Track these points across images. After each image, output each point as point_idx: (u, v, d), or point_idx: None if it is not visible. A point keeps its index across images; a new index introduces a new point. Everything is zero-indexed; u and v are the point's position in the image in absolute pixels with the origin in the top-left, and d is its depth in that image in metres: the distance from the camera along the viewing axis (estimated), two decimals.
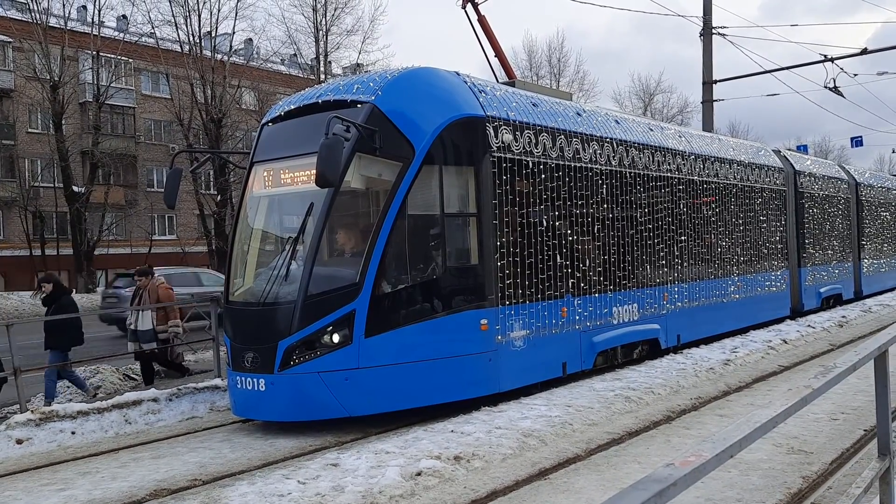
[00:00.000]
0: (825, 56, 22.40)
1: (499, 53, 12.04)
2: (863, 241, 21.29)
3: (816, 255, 18.16)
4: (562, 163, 10.45)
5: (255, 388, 8.36)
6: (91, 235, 39.22)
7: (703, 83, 23.23)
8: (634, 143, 11.99)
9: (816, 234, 18.30)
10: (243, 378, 8.49)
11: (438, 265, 8.92)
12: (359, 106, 8.79)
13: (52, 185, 40.25)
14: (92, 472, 7.35)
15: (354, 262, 8.60)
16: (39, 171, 41.92)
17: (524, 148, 9.82)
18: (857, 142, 40.87)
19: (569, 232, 10.51)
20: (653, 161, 12.36)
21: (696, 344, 13.15)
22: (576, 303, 10.59)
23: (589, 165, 10.96)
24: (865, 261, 21.40)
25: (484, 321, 9.15)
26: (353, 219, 9.04)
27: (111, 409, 9.15)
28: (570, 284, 10.48)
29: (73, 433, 8.61)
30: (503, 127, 9.53)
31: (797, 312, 17.04)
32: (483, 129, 9.27)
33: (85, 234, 38.55)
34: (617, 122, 12.01)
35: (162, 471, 7.30)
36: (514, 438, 7.42)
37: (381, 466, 6.46)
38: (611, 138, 11.48)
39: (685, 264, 13.06)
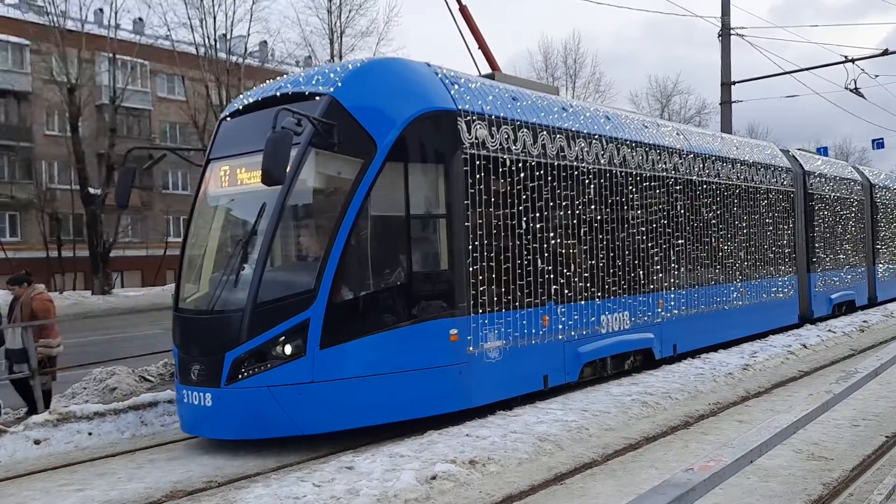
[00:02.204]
0: (846, 57, 21.75)
1: (482, 45, 11.23)
2: (878, 245, 20.13)
3: (827, 259, 17.09)
4: (544, 161, 9.61)
5: (202, 403, 7.62)
6: (107, 237, 38.83)
7: (722, 84, 22.66)
8: (626, 140, 11.11)
9: (827, 238, 17.23)
10: (190, 392, 7.75)
11: (403, 271, 8.13)
12: (317, 98, 8.05)
13: (68, 188, 39.97)
14: (108, 473, 7.23)
15: (309, 267, 7.86)
16: (56, 174, 41.71)
17: (501, 144, 9.01)
18: (878, 144, 39.78)
19: (552, 235, 9.67)
20: (647, 160, 11.47)
21: (693, 354, 12.24)
22: (559, 311, 9.74)
23: (575, 164, 10.11)
24: (881, 266, 20.23)
25: (454, 331, 8.34)
26: (308, 220, 8.27)
27: (127, 410, 9.02)
28: (552, 291, 9.64)
29: (89, 434, 8.47)
30: (477, 122, 8.73)
31: (806, 320, 16.01)
32: (454, 124, 8.46)
33: (101, 235, 38.13)
34: (607, 118, 11.14)
35: (178, 472, 7.17)
36: (530, 443, 7.25)
37: (396, 470, 6.34)
38: (600, 135, 10.61)
39: (682, 269, 12.14)
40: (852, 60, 21.50)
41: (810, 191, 16.48)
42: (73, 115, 37.15)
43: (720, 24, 22.41)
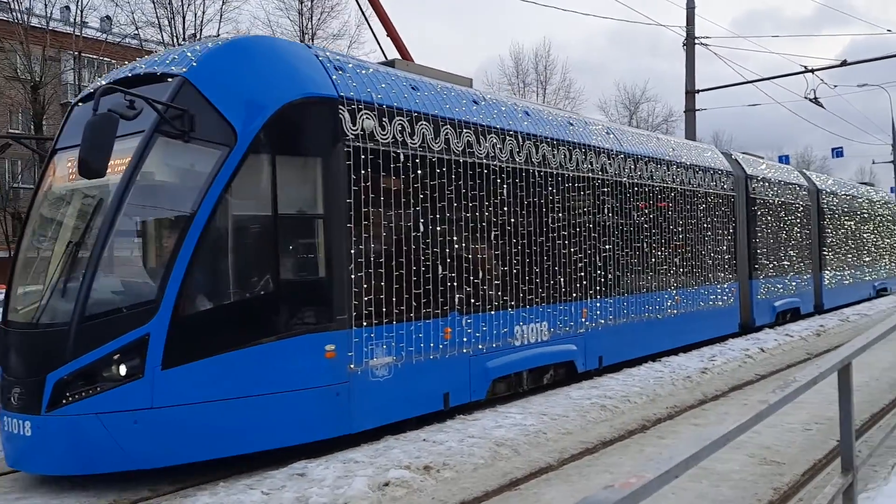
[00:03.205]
0: (805, 67, 21.39)
1: (391, 32, 9.91)
2: (824, 251, 18.98)
3: (771, 266, 15.88)
4: (448, 157, 8.31)
5: (21, 433, 6.22)
6: None
7: (686, 93, 22.23)
8: (547, 137, 9.83)
9: (771, 244, 16.01)
10: (10, 419, 6.35)
11: (269, 278, 6.80)
12: (169, 80, 6.70)
13: (31, 187, 38.18)
14: (52, 482, 6.55)
15: (152, 274, 6.55)
16: (20, 172, 39.89)
17: (395, 137, 7.70)
18: (837, 153, 39.87)
19: (455, 238, 8.37)
20: (570, 159, 10.19)
21: (622, 367, 11.02)
22: (464, 322, 8.44)
23: (485, 161, 8.82)
24: (827, 272, 19.06)
25: (330, 347, 7.02)
26: (153, 219, 6.89)
27: None
28: (456, 300, 8.33)
29: None
30: (365, 111, 7.40)
31: (748, 329, 14.80)
32: (334, 113, 7.14)
33: None
34: (527, 113, 9.85)
35: (124, 480, 6.40)
36: (487, 448, 6.95)
37: (349, 476, 6.02)
38: (515, 131, 9.33)
39: (610, 277, 10.88)
40: (812, 71, 21.11)
41: (753, 195, 15.26)
42: (37, 114, 35.35)
43: (685, 34, 22.18)
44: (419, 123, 8.00)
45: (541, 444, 7.30)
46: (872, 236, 22.81)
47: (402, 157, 7.76)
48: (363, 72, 7.74)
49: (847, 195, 21.18)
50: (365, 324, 7.30)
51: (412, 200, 7.87)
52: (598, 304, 10.58)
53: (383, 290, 7.50)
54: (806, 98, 21.61)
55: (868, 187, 25.19)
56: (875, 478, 5.85)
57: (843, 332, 15.40)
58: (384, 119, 7.61)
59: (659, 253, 12.03)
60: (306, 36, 40.56)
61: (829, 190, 19.75)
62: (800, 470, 6.45)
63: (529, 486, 6.22)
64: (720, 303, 13.75)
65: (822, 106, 22.05)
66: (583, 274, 10.30)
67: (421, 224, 7.95)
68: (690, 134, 21.65)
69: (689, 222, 12.91)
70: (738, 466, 6.44)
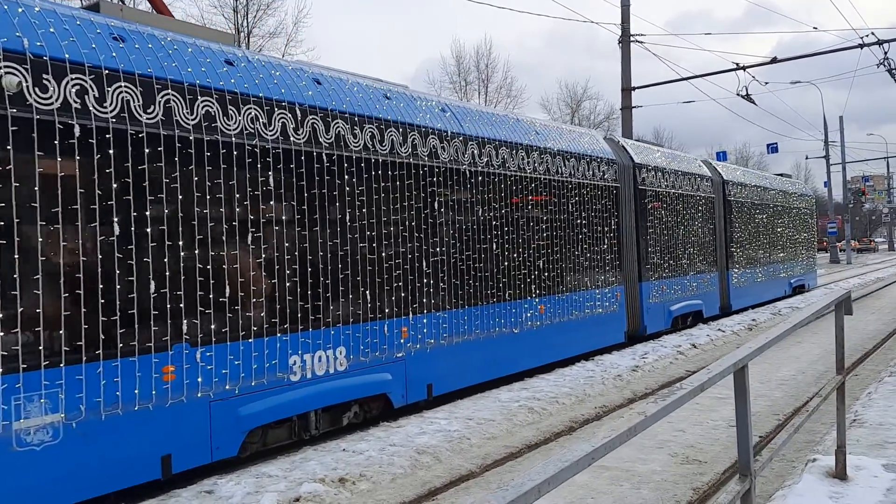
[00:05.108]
0: (737, 64, 20.64)
1: None
2: (732, 247, 16.80)
3: (666, 266, 13.62)
4: (170, 132, 5.84)
5: None
6: None
7: (622, 90, 21.24)
8: (346, 113, 7.39)
9: (667, 241, 13.73)
10: None
11: None
12: None
13: None
14: None
15: None
16: None
17: (68, 102, 5.21)
18: (772, 148, 39.11)
19: (183, 244, 5.90)
20: (383, 141, 7.77)
21: (462, 394, 8.69)
22: (199, 356, 5.98)
23: (241, 140, 6.36)
24: (735, 270, 16.88)
25: None
26: None
27: None
28: (185, 327, 5.87)
29: None
30: (7, 64, 4.91)
31: (637, 338, 12.57)
32: None
33: None
34: (317, 81, 7.39)
35: None
36: (408, 456, 6.54)
37: (259, 492, 5.58)
38: (292, 102, 6.87)
39: (443, 286, 8.49)
40: (743, 68, 20.40)
41: (642, 187, 12.95)
42: None
43: (620, 31, 21.16)
44: (115, 85, 5.51)
45: (464, 450, 6.93)
46: (788, 230, 20.78)
47: (79, 130, 5.27)
48: (16, 10, 5.21)
49: (758, 186, 18.95)
50: (6, 369, 4.82)
51: (100, 192, 5.39)
52: (424, 321, 8.18)
53: (43, 318, 5.02)
54: (738, 95, 20.90)
55: (783, 178, 23.10)
56: (793, 473, 5.56)
57: (775, 326, 13.50)
58: (46, 76, 5.12)
59: (515, 255, 9.65)
60: (241, 34, 37.70)
61: (737, 181, 17.50)
62: (720, 468, 6.17)
63: (447, 495, 5.87)
64: (601, 310, 11.44)
65: (754, 102, 21.50)
66: (401, 284, 7.90)
67: (117, 224, 5.48)
68: (627, 131, 20.66)
69: (558, 218, 10.53)
70: (660, 467, 6.24)
